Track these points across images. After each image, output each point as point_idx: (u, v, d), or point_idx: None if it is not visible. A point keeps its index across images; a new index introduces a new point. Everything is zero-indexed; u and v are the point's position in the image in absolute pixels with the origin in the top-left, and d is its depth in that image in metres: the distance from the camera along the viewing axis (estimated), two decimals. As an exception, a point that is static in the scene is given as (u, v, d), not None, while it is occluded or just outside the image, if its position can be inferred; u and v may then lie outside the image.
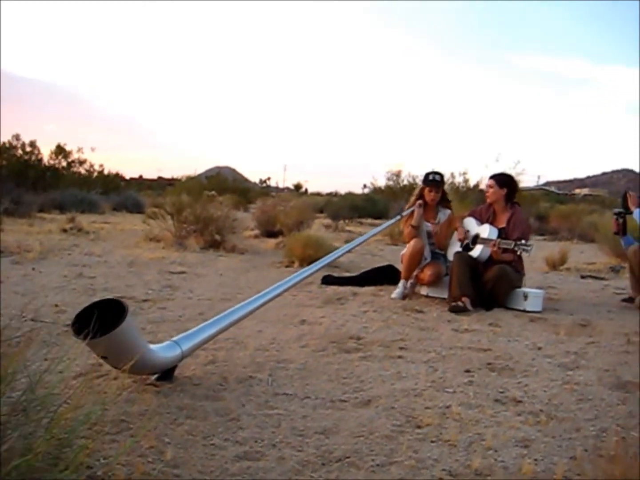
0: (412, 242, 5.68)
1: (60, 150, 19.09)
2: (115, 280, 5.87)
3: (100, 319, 2.47)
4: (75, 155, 19.77)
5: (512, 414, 2.56)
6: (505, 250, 5.14)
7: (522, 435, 2.32)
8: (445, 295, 5.43)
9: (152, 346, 2.75)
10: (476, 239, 5.44)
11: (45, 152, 18.89)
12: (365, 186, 36.98)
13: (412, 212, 5.79)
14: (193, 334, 2.98)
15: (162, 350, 2.78)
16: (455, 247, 5.65)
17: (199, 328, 3.05)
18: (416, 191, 5.98)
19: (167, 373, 2.84)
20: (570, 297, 6.06)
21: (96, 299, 4.79)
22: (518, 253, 5.06)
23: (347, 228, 15.45)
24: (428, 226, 5.86)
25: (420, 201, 5.78)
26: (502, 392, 2.87)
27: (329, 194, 57.77)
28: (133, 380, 2.79)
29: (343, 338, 3.92)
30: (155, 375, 2.83)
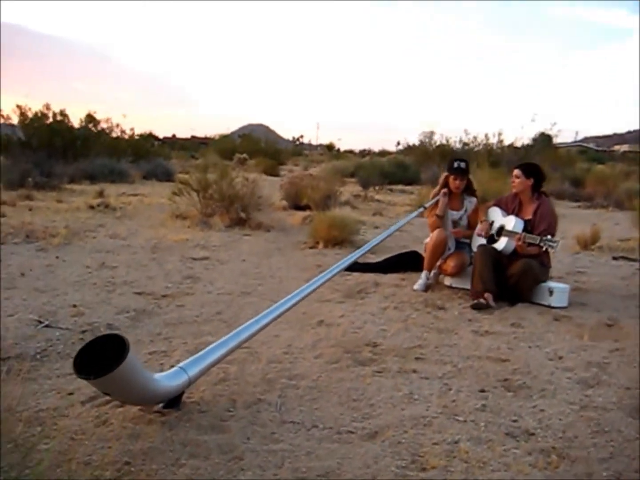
0: (435, 233, 5.57)
1: (90, 119, 19.11)
2: (137, 270, 5.87)
3: (103, 354, 2.44)
4: (104, 125, 19.75)
5: (522, 453, 2.49)
6: (530, 244, 5.00)
7: (530, 484, 2.24)
8: (469, 286, 5.33)
9: (157, 376, 2.72)
10: (501, 231, 5.29)
11: (75, 120, 18.93)
12: (399, 143, 36.63)
13: (437, 201, 5.66)
14: (200, 357, 2.94)
15: (168, 379, 2.74)
16: (479, 238, 5.51)
17: (206, 351, 3.00)
18: (441, 179, 5.85)
19: (174, 400, 2.81)
20: (599, 286, 5.90)
21: (115, 295, 4.87)
22: (544, 249, 4.92)
23: (377, 197, 15.28)
24: (453, 215, 5.74)
25: (445, 190, 5.65)
26: (515, 422, 2.79)
27: (362, 152, 57.38)
28: (140, 409, 2.77)
29: (359, 345, 3.86)
30: (162, 403, 2.80)
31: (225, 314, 4.53)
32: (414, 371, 3.44)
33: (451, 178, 5.68)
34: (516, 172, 5.37)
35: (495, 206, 5.57)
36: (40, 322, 4.04)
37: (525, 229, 5.13)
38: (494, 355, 3.75)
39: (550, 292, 4.98)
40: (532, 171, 5.36)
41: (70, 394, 2.98)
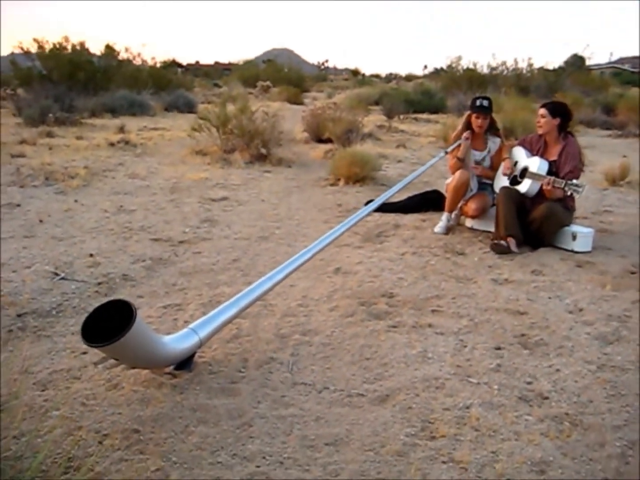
0: (457, 174, 5.42)
1: (110, 50, 18.84)
2: (155, 214, 5.84)
3: (111, 319, 2.43)
4: (124, 55, 19.48)
5: (534, 420, 2.44)
6: (556, 189, 4.85)
7: (540, 455, 2.20)
8: (491, 228, 5.22)
9: (166, 339, 2.71)
10: (525, 172, 5.13)
11: (95, 51, 18.70)
12: (426, 67, 35.83)
13: (459, 145, 5.49)
14: (211, 317, 2.91)
15: (178, 341, 2.73)
16: (502, 180, 5.36)
17: (218, 311, 2.98)
18: (463, 119, 5.66)
19: (185, 361, 2.81)
20: (625, 227, 5.75)
21: (132, 242, 4.85)
22: (568, 194, 4.77)
23: (401, 127, 14.98)
24: (476, 155, 5.57)
25: (467, 133, 5.46)
26: (529, 384, 2.75)
27: (388, 77, 56.24)
28: (151, 371, 2.77)
29: (375, 296, 3.82)
30: (174, 365, 2.80)
31: (242, 262, 4.50)
32: (430, 325, 3.40)
33: (473, 117, 5.49)
34: (542, 111, 5.16)
35: (520, 146, 5.39)
36: (57, 275, 4.04)
37: (549, 171, 4.97)
38: (512, 307, 3.68)
39: (574, 237, 4.86)
40: (558, 110, 5.14)
41: (84, 353, 2.99)
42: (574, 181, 4.71)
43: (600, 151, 11.65)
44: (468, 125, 5.55)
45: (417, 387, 2.71)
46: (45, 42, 17.40)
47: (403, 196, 6.63)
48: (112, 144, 10.30)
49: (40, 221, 5.38)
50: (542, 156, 5.13)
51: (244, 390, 2.66)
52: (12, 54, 20.90)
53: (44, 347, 3.04)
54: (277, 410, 2.51)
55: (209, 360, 2.93)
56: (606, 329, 3.37)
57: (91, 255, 4.50)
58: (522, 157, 5.28)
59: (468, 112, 5.59)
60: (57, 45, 17.58)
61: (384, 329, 3.35)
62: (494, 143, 5.58)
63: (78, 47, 17.83)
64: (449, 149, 5.59)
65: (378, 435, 2.34)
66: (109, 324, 2.40)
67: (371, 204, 4.71)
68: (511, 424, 2.41)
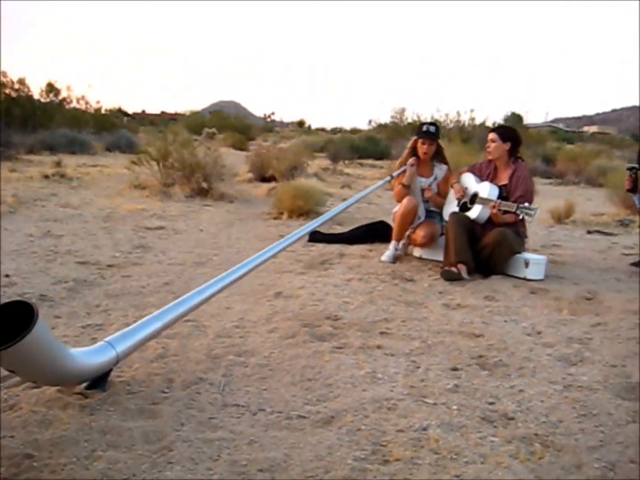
0: (405, 200, 5.20)
1: (51, 88, 18.36)
2: (83, 240, 5.43)
3: (8, 326, 2.03)
4: (65, 93, 18.98)
5: (500, 441, 2.13)
6: (506, 212, 4.66)
7: (511, 479, 1.89)
8: (440, 257, 4.98)
9: (76, 351, 2.31)
10: (475, 198, 4.94)
11: (36, 90, 18.22)
12: (370, 122, 36.30)
13: (404, 170, 5.28)
14: (131, 331, 2.54)
15: (90, 355, 2.34)
16: (451, 207, 5.15)
17: (139, 324, 2.60)
18: (409, 144, 5.46)
19: (99, 380, 2.41)
20: (575, 259, 5.60)
21: (55, 265, 4.44)
22: (520, 217, 4.58)
23: (346, 171, 14.89)
24: (422, 182, 5.36)
25: (412, 160, 5.26)
26: (491, 404, 2.44)
27: (333, 130, 56.89)
28: (57, 390, 2.37)
29: (319, 318, 3.49)
30: (85, 383, 2.40)
31: (175, 285, 4.13)
32: (378, 347, 3.08)
33: (419, 142, 5.31)
34: (492, 135, 5.00)
35: (469, 172, 5.21)
36: (-37, 293, 3.60)
37: (500, 196, 4.79)
38: (466, 330, 3.40)
39: (526, 264, 4.65)
40: (508, 135, 5.00)
41: (-18, 373, 2.57)
42: (526, 204, 4.52)
43: (543, 196, 11.65)
44: (414, 152, 5.36)
45: (366, 408, 2.37)
46: (-20, 77, 16.83)
47: (348, 228, 6.41)
48: (46, 177, 9.83)
49: (-46, 243, 4.91)
50: (492, 181, 4.95)
51: (166, 412, 2.27)
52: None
53: None
54: (203, 434, 2.13)
55: (127, 380, 2.54)
56: (568, 351, 3.11)
57: (7, 275, 4.07)
58: (471, 183, 5.10)
59: (414, 138, 5.41)
60: (-6, 82, 17.03)
61: (328, 350, 3.01)
62: (440, 170, 5.39)
63: (17, 84, 17.28)
64: (394, 174, 5.37)
65: (322, 459, 1.99)
66: (6, 329, 2.01)
67: (313, 221, 4.41)
68: (475, 446, 2.09)
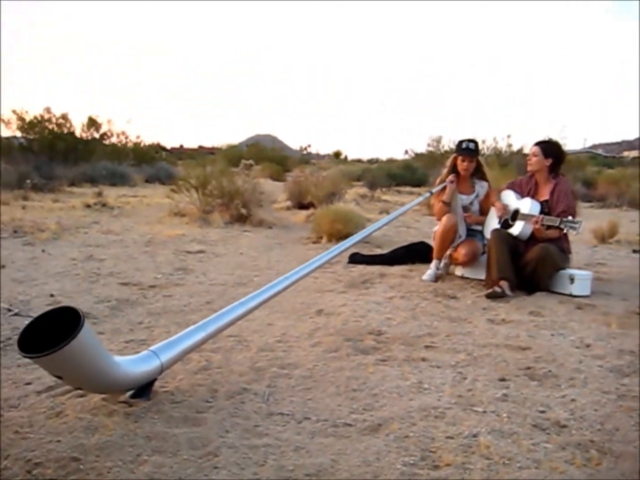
0: (444, 218, 5.15)
1: (92, 123, 18.80)
2: (125, 263, 5.48)
3: (56, 331, 2.05)
4: (106, 127, 19.36)
5: (554, 447, 2.06)
6: (549, 227, 4.58)
7: (568, 484, 1.82)
8: (482, 276, 4.90)
9: (121, 359, 2.32)
10: (516, 215, 4.87)
11: (78, 125, 18.65)
12: (406, 152, 36.25)
13: (444, 187, 5.25)
14: (175, 341, 2.54)
15: (135, 364, 2.34)
16: (492, 224, 5.09)
17: (183, 334, 2.60)
18: (448, 162, 5.42)
19: (144, 389, 2.41)
20: (621, 277, 5.47)
21: (98, 286, 4.48)
22: (564, 231, 4.50)
23: (384, 197, 14.87)
24: (463, 199, 5.31)
25: (452, 176, 5.22)
26: (543, 412, 2.37)
27: (370, 161, 57.03)
28: (102, 398, 2.37)
29: (361, 333, 3.45)
30: (130, 392, 2.40)
31: (216, 304, 4.13)
32: (423, 359, 3.03)
33: (459, 159, 5.27)
34: (534, 149, 4.95)
35: (509, 189, 5.15)
36: (10, 310, 3.66)
37: (542, 211, 4.71)
38: (513, 343, 3.33)
39: (572, 280, 4.55)
40: (551, 151, 4.93)
41: (28, 384, 2.60)
42: (569, 217, 4.44)
43: (585, 219, 11.46)
44: (454, 169, 5.33)
45: (414, 416, 2.32)
46: (24, 113, 17.29)
47: (387, 250, 6.37)
48: (88, 206, 10.00)
49: (3, 266, 5.00)
50: (533, 197, 4.88)
51: (210, 420, 2.26)
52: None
53: (-18, 378, 2.63)
54: (248, 440, 2.11)
55: (171, 390, 2.53)
56: (619, 362, 3.01)
57: (52, 295, 4.13)
58: (512, 200, 5.04)
59: (454, 155, 5.37)
60: (39, 117, 17.49)
61: (373, 362, 2.97)
62: (481, 187, 5.34)
63: (61, 119, 17.74)
64: (434, 190, 5.33)
65: (370, 465, 1.94)
66: (54, 334, 2.03)
67: (353, 236, 4.38)
68: (528, 452, 2.02)
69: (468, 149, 5.24)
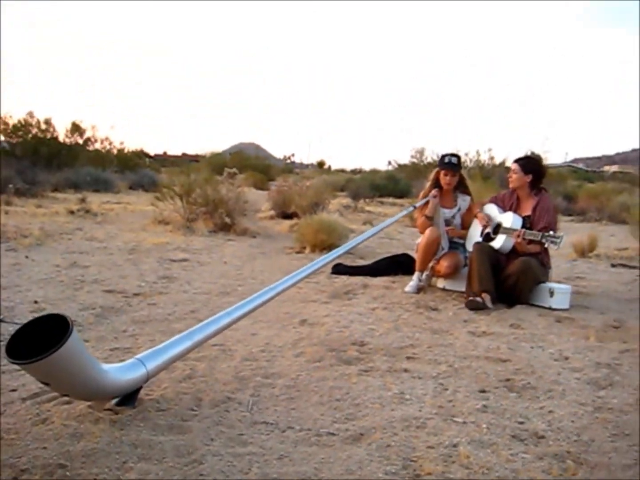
0: (427, 231, 5.21)
1: (76, 128, 18.75)
2: (109, 270, 5.49)
3: (44, 338, 2.07)
4: (90, 133, 19.33)
5: (532, 458, 2.11)
6: (530, 242, 4.66)
7: (545, 493, 1.87)
8: (464, 289, 4.97)
9: (108, 367, 2.34)
10: (498, 228, 4.95)
11: (61, 130, 18.60)
12: (389, 162, 36.36)
13: (427, 201, 5.31)
14: (161, 349, 2.57)
15: (121, 371, 2.37)
16: (474, 237, 5.17)
17: (169, 342, 2.63)
18: (431, 176, 5.48)
19: (129, 396, 2.43)
20: (600, 290, 5.56)
21: (82, 293, 4.49)
22: (545, 245, 4.58)
23: (367, 208, 14.97)
24: (445, 213, 5.38)
25: (435, 191, 5.29)
26: (521, 423, 2.43)
27: (353, 171, 57.10)
28: (88, 406, 2.39)
29: (344, 344, 3.49)
30: (116, 399, 2.42)
31: (200, 313, 4.15)
32: (405, 370, 3.07)
33: (442, 173, 5.34)
34: (514, 166, 5.04)
35: (492, 203, 5.23)
36: (-6, 318, 3.66)
37: (524, 226, 4.79)
38: (493, 355, 3.39)
39: (551, 293, 4.64)
40: (531, 167, 5.02)
41: (13, 390, 2.61)
42: (550, 232, 4.52)
43: (565, 233, 11.56)
44: (437, 183, 5.39)
45: (395, 426, 2.36)
46: (8, 118, 17.22)
47: (370, 262, 6.43)
48: (71, 212, 9.96)
49: (-15, 272, 4.99)
50: (515, 212, 4.97)
51: (195, 428, 2.29)
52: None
53: (-34, 385, 2.64)
54: (233, 448, 2.14)
55: (157, 398, 2.55)
56: (597, 375, 3.08)
57: (35, 302, 4.13)
58: (494, 213, 5.12)
59: (436, 169, 5.44)
60: (22, 122, 17.41)
61: (355, 373, 3.01)
62: (463, 201, 5.42)
63: (44, 124, 17.67)
64: (417, 204, 5.39)
65: (352, 473, 1.99)
66: (41, 342, 2.05)
67: (338, 249, 4.44)
68: (506, 462, 2.07)
69: (450, 164, 5.31)
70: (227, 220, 8.96)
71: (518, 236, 4.64)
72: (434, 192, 5.32)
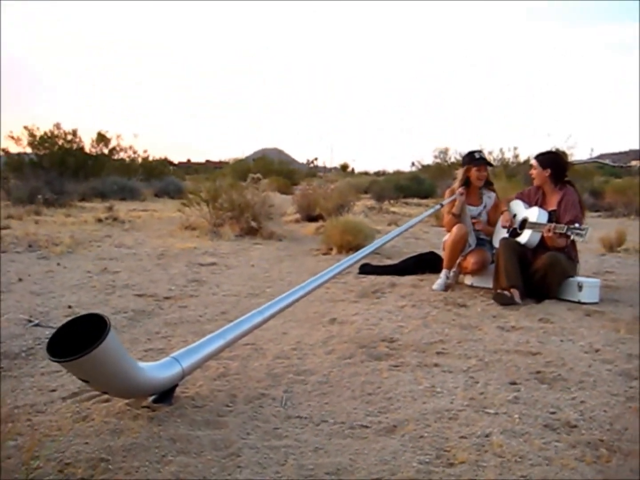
0: (455, 228, 5.22)
1: (101, 138, 19.01)
2: (140, 275, 5.58)
3: (82, 338, 2.14)
4: (115, 142, 19.59)
5: (565, 446, 2.13)
6: (558, 236, 4.65)
7: (578, 479, 1.89)
8: (491, 285, 4.97)
9: (145, 365, 2.40)
10: (524, 224, 4.95)
11: (87, 140, 18.87)
12: (413, 163, 36.24)
13: (454, 199, 5.32)
14: (196, 348, 2.62)
15: (158, 370, 2.43)
16: (501, 233, 5.17)
17: (203, 341, 2.69)
18: (460, 173, 5.47)
19: (166, 394, 2.49)
20: (629, 284, 5.52)
21: (114, 297, 4.57)
22: (571, 238, 4.57)
23: (392, 209, 14.97)
24: (472, 210, 5.39)
25: (461, 189, 5.30)
26: (553, 413, 2.44)
27: (377, 173, 57.03)
28: (126, 403, 2.45)
29: (374, 341, 3.53)
30: (153, 397, 2.49)
31: (231, 314, 4.21)
32: (436, 365, 3.10)
33: (474, 170, 5.34)
34: (533, 162, 5.06)
35: (518, 199, 5.23)
36: (30, 321, 3.75)
37: (550, 220, 4.78)
38: (523, 349, 3.40)
39: (580, 287, 4.62)
40: (548, 161, 5.00)
41: (53, 390, 2.68)
42: (576, 225, 4.51)
43: (593, 228, 11.53)
44: (465, 182, 5.40)
45: (428, 418, 2.39)
46: (35, 129, 17.52)
47: (397, 261, 6.45)
48: (99, 220, 10.13)
49: (20, 280, 5.10)
50: (541, 206, 4.96)
51: (231, 423, 2.34)
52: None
53: (7, 386, 2.72)
54: (268, 442, 2.19)
55: (192, 395, 2.61)
56: (628, 366, 3.08)
57: (69, 306, 4.22)
58: (520, 209, 5.12)
59: (466, 167, 5.43)
60: (49, 134, 17.70)
61: (386, 368, 3.05)
62: (489, 198, 5.43)
63: (70, 135, 17.95)
64: (444, 202, 5.41)
65: (387, 463, 2.02)
66: (80, 341, 2.12)
67: (366, 248, 4.48)
68: (539, 450, 2.09)
69: (482, 159, 5.34)
70: (253, 224, 9.03)
71: (549, 230, 4.63)
72: (460, 189, 5.33)
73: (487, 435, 2.21)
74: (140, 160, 23.22)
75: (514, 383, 2.82)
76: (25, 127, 17.54)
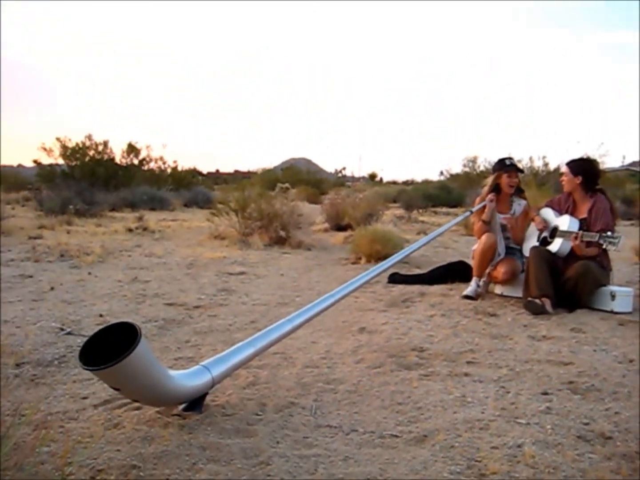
0: (484, 237, 5.19)
1: (131, 149, 19.27)
2: (170, 284, 5.62)
3: (114, 346, 2.16)
4: (145, 153, 19.82)
5: (600, 458, 2.10)
6: (588, 244, 4.59)
7: (614, 491, 1.86)
8: (522, 295, 4.92)
9: (175, 373, 2.42)
10: (555, 232, 4.90)
11: (117, 151, 19.14)
12: (442, 173, 36.08)
13: (484, 206, 5.29)
14: (226, 356, 2.63)
15: (188, 378, 2.44)
16: (531, 242, 5.12)
17: (233, 349, 2.70)
18: (490, 180, 5.44)
19: (196, 402, 2.51)
20: (664, 293, 5.42)
21: (145, 306, 4.61)
22: (603, 246, 4.50)
23: (421, 218, 14.93)
24: (501, 218, 5.35)
25: (491, 195, 5.27)
26: (587, 424, 2.40)
27: (405, 182, 56.91)
28: (157, 411, 2.47)
29: (404, 350, 3.51)
30: (183, 405, 2.50)
31: (260, 323, 4.22)
32: (466, 374, 3.07)
33: (505, 176, 5.30)
34: (564, 169, 5.00)
35: (548, 207, 5.18)
36: (62, 330, 3.80)
37: (580, 229, 4.73)
38: (554, 358, 3.35)
39: (613, 296, 4.55)
40: (580, 169, 4.94)
41: (85, 398, 2.71)
42: (608, 233, 4.45)
43: (626, 237, 11.36)
44: (495, 188, 5.36)
45: (459, 428, 2.37)
46: (67, 140, 17.80)
47: (426, 270, 6.42)
48: (130, 230, 10.25)
49: (52, 288, 5.18)
50: (571, 214, 4.90)
51: (261, 431, 2.34)
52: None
53: (41, 393, 2.76)
54: (298, 450, 2.18)
55: (222, 404, 2.62)
56: (664, 377, 3.03)
57: (101, 315, 4.27)
58: (551, 217, 5.07)
59: (497, 173, 5.40)
60: (80, 145, 17.97)
61: (416, 377, 3.03)
62: (519, 205, 5.38)
63: (102, 146, 18.21)
64: (474, 209, 5.38)
65: (418, 473, 2.00)
66: (111, 349, 2.14)
67: (393, 257, 4.46)
68: (573, 462, 2.06)
69: (513, 165, 5.31)
70: (282, 233, 9.06)
71: (576, 238, 4.58)
72: (490, 196, 5.30)
73: (519, 446, 2.19)
74: (169, 170, 23.42)
75: (545, 393, 2.79)
76: (57, 139, 17.86)
